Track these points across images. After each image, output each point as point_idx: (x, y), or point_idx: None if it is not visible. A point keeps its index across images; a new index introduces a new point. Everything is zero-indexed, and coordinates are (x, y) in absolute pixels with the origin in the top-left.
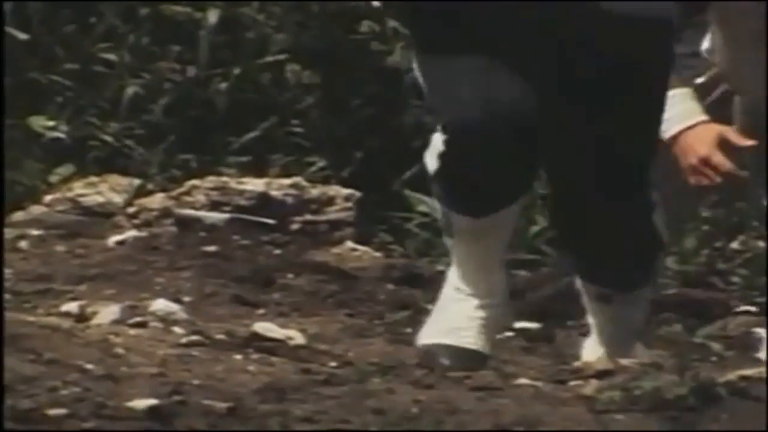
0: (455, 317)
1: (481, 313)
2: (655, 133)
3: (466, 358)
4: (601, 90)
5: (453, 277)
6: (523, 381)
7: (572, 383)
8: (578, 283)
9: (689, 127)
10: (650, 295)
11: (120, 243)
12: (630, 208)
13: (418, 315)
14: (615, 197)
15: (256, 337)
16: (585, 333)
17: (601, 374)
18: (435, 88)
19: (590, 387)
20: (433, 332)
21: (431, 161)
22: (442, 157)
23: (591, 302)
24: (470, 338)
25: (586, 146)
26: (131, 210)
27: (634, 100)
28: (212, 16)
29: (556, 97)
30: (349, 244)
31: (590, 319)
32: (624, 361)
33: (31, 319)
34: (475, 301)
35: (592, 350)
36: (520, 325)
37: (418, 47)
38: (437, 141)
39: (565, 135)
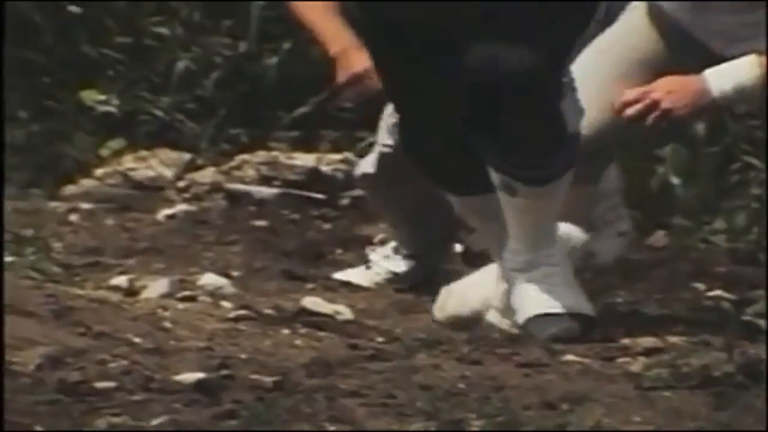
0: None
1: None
2: (560, 34)
3: None
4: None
5: None
6: (570, 358)
7: (620, 360)
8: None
9: None
10: (563, 193)
11: (170, 217)
12: (533, 102)
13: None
14: (519, 92)
15: (304, 311)
16: (633, 311)
17: (649, 351)
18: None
19: (638, 364)
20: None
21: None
22: (403, 139)
23: (500, 192)
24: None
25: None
26: (181, 184)
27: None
28: None
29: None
30: None
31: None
32: (673, 339)
33: (81, 292)
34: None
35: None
36: None
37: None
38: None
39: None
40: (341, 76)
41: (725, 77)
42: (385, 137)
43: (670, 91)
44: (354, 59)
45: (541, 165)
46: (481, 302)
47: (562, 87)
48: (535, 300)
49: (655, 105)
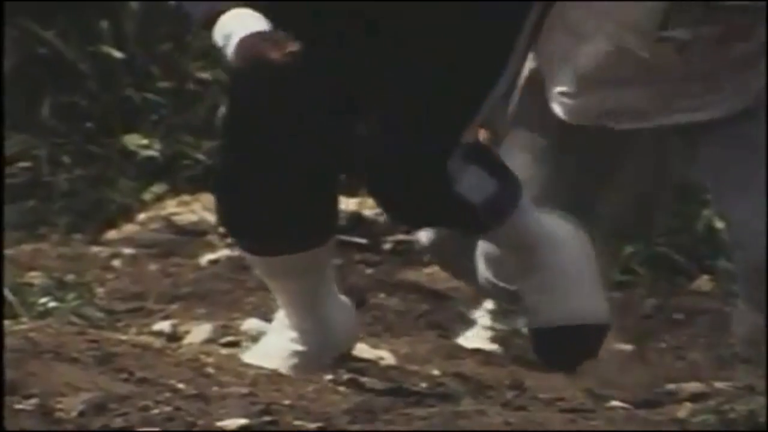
0: (271, 345)
1: (294, 347)
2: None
3: None
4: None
5: None
6: (615, 404)
7: (666, 406)
8: None
9: None
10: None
11: (212, 262)
12: (429, 185)
13: (511, 336)
14: (415, 171)
15: (347, 357)
16: (681, 356)
17: (694, 397)
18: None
19: (684, 410)
20: (253, 353)
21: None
22: (221, 179)
23: None
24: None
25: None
26: (224, 229)
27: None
28: None
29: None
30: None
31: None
32: (719, 384)
33: (124, 338)
34: (290, 334)
35: None
36: (614, 346)
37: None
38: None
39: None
40: None
41: None
42: None
43: None
44: None
45: (461, 227)
46: None
47: (454, 172)
48: (534, 312)
49: None
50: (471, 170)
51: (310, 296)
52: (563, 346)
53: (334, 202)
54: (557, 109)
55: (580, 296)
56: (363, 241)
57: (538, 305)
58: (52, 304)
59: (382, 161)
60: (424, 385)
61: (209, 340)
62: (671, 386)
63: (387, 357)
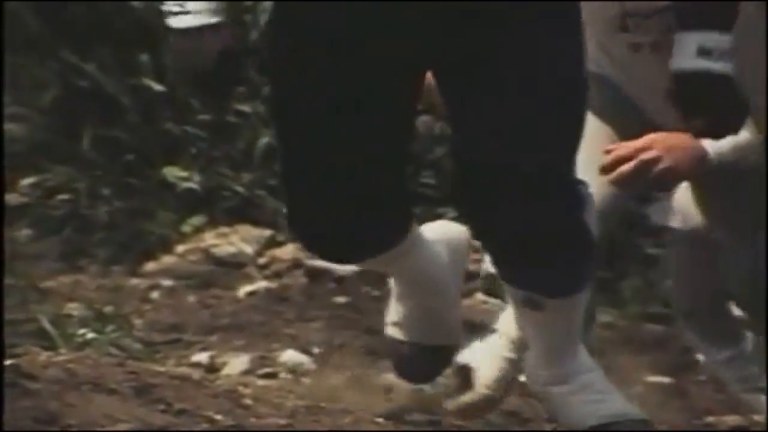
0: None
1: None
2: (577, 118)
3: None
4: (514, 73)
5: None
6: None
7: None
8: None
9: None
10: (586, 300)
11: (251, 294)
12: (552, 204)
13: None
14: (533, 191)
15: (386, 388)
16: (719, 389)
17: (734, 430)
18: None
19: None
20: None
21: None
22: (288, 198)
23: (518, 308)
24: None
25: (500, 134)
26: (262, 260)
27: (551, 83)
28: None
29: (463, 86)
30: (480, 296)
31: (521, 329)
32: (758, 417)
33: (162, 369)
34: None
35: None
36: (652, 379)
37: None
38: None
39: (475, 125)
40: None
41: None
42: None
43: (670, 147)
44: None
45: (569, 275)
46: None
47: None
48: (585, 412)
49: (653, 162)
50: (589, 200)
51: (410, 273)
52: None
53: (409, 201)
54: None
55: (615, 391)
56: None
57: (583, 405)
58: (91, 336)
59: (500, 176)
60: None
61: (247, 372)
62: (710, 419)
63: (426, 388)
